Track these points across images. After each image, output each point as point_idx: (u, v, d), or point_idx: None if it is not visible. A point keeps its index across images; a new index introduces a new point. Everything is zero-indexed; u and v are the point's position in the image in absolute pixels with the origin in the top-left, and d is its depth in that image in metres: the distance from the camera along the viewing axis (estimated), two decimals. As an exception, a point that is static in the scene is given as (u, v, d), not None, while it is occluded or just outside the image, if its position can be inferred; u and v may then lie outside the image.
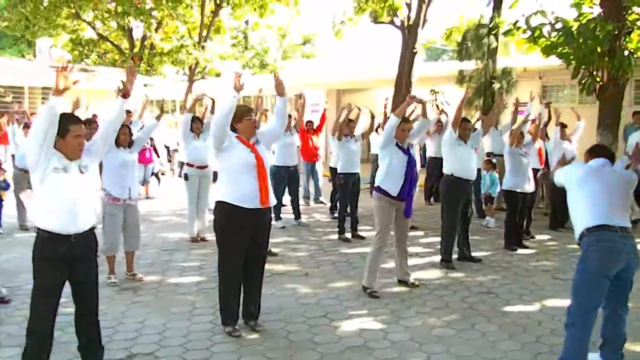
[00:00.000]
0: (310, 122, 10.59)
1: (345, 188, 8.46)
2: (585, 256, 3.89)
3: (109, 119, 3.93)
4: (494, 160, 9.77)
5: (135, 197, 6.20)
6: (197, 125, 7.95)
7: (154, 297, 5.69)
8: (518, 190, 7.69)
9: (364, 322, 5.00)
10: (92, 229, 3.79)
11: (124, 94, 3.83)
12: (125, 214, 6.09)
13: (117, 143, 5.89)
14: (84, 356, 3.97)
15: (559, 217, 8.88)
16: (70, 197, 3.60)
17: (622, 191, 4.09)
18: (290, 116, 8.56)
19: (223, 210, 4.63)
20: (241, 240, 4.61)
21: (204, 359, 4.26)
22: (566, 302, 5.26)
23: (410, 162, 5.84)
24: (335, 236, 8.31)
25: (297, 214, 9.37)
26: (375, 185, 5.95)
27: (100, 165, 8.69)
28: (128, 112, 9.32)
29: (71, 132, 3.61)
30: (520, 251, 7.56)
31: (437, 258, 6.93)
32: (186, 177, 8.07)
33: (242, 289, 4.76)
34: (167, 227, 9.10)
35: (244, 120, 4.67)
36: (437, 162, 9.33)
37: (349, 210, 8.50)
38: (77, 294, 3.83)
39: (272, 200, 4.75)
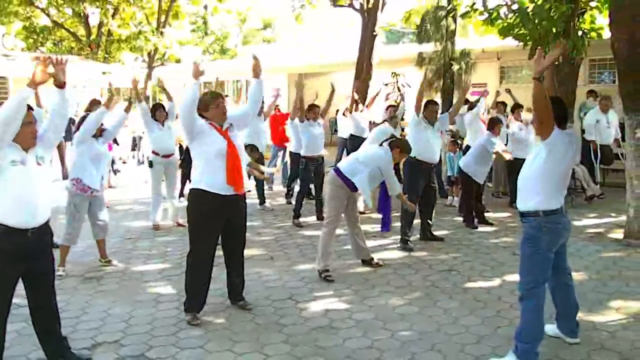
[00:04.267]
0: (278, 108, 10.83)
1: (309, 172, 8.47)
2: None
3: (53, 109, 3.79)
4: (459, 142, 9.90)
5: (102, 189, 6.17)
6: (161, 113, 7.85)
7: (117, 285, 5.65)
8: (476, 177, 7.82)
9: (329, 303, 5.07)
10: (48, 220, 3.74)
11: (58, 84, 3.68)
12: (91, 205, 6.03)
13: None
14: (47, 348, 3.92)
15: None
16: (29, 190, 3.53)
17: None
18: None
19: (196, 196, 4.62)
20: (213, 227, 4.63)
21: (170, 345, 4.27)
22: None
23: None
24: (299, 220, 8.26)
25: (261, 198, 9.38)
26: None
27: (62, 157, 8.63)
28: (96, 101, 9.19)
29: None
30: (480, 229, 7.71)
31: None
32: (151, 165, 7.99)
33: (210, 275, 4.77)
34: (130, 215, 9.01)
35: (210, 108, 4.63)
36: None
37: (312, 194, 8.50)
38: (34, 286, 3.76)
39: (248, 186, 4.75)
